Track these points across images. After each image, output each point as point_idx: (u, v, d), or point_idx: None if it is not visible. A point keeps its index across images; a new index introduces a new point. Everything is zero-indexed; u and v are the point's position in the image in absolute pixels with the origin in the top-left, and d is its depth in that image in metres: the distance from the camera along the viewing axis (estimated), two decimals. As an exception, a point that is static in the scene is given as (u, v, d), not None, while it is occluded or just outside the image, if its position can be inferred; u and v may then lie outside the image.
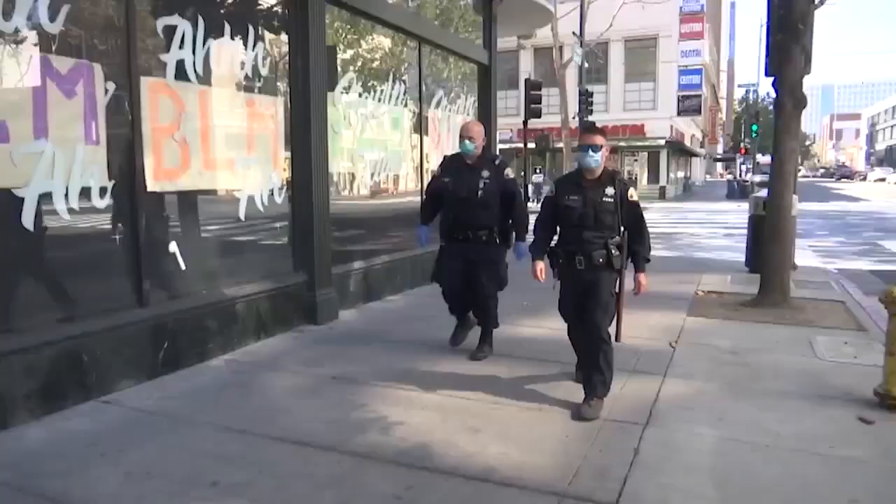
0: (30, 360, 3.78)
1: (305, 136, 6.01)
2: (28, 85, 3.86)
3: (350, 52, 7.41)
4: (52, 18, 3.92)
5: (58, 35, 3.98)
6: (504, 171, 4.99)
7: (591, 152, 3.87)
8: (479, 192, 4.81)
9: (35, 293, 4.08)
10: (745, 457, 3.32)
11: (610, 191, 3.90)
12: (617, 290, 4.03)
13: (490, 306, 5.12)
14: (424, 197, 5.46)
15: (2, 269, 3.85)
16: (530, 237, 4.44)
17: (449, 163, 5.12)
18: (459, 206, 4.90)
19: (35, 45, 3.88)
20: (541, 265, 4.15)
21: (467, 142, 4.86)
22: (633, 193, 3.98)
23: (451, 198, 4.95)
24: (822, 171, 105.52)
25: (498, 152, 11.80)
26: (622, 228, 3.97)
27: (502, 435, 3.57)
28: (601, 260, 3.90)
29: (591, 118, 26.60)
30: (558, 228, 4.10)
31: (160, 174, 4.71)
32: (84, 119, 4.15)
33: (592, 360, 3.96)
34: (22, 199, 3.80)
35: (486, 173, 4.86)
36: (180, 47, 4.83)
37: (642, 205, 4.12)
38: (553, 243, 4.17)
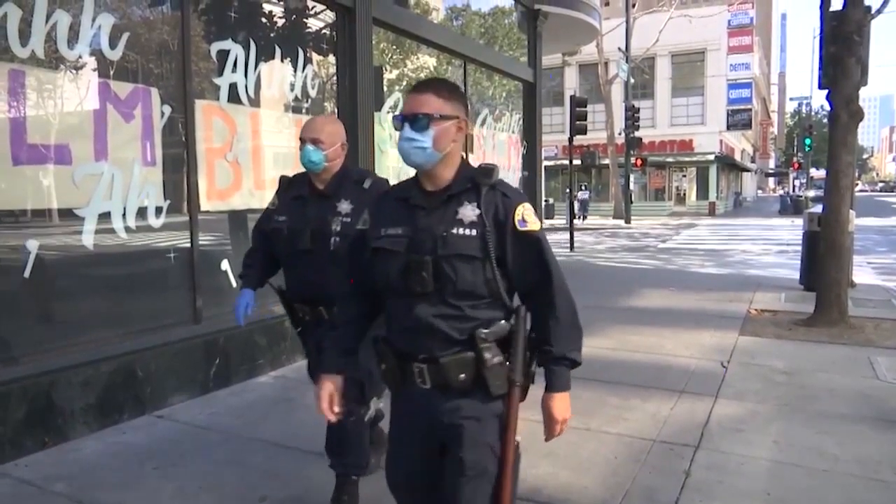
0: (87, 375, 3.90)
1: (352, 156, 6.10)
2: (89, 109, 4.04)
3: (396, 72, 7.52)
4: (113, 45, 4.10)
5: (117, 61, 4.16)
6: None
7: (411, 131, 1.80)
8: (333, 241, 2.77)
9: (93, 310, 4.22)
10: (801, 482, 3.20)
11: (468, 212, 1.82)
12: (501, 444, 1.87)
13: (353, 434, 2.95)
14: (251, 243, 3.21)
15: (62, 286, 4.01)
16: None
17: (287, 187, 3.01)
18: (298, 263, 2.88)
19: (95, 70, 4.07)
20: (329, 387, 1.98)
21: (310, 148, 2.80)
22: (525, 214, 1.84)
23: (285, 249, 2.91)
24: (881, 184, 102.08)
25: (543, 169, 11.74)
26: (509, 295, 1.90)
27: (548, 454, 3.53)
28: (463, 376, 1.81)
29: (637, 134, 26.42)
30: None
31: (213, 194, 4.85)
32: (141, 141, 4.31)
33: None
34: (83, 219, 3.97)
35: (344, 206, 2.82)
36: (233, 71, 4.99)
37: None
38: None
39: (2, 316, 3.72)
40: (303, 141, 2.83)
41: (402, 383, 1.89)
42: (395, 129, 1.82)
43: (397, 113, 1.86)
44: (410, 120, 1.79)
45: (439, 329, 1.79)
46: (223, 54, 4.94)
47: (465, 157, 1.93)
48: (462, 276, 1.77)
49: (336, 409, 1.98)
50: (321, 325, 2.82)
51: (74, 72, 3.98)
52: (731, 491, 3.11)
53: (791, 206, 33.82)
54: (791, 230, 20.98)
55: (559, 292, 1.86)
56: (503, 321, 1.82)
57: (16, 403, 3.56)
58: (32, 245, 3.73)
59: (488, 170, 1.85)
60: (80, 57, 3.98)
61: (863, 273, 10.84)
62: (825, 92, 6.98)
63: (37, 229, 3.90)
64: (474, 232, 1.78)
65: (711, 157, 35.24)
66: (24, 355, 3.74)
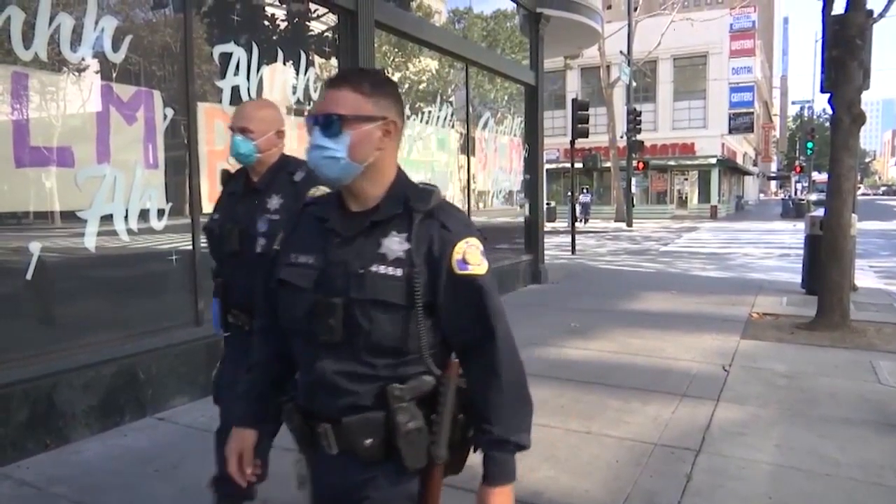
0: (89, 377, 3.91)
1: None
2: (91, 111, 4.05)
3: (398, 75, 7.53)
4: (116, 48, 4.11)
5: (120, 64, 4.17)
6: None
7: (321, 137, 1.41)
8: (259, 243, 2.45)
9: (95, 312, 4.23)
10: (803, 486, 3.20)
11: (395, 245, 1.41)
12: None
13: None
14: None
15: (64, 288, 4.01)
16: None
17: (227, 182, 2.77)
18: (229, 266, 2.63)
19: (98, 73, 4.08)
20: (239, 443, 1.64)
21: (238, 138, 2.52)
22: (468, 253, 1.42)
23: (216, 250, 2.72)
24: (883, 188, 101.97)
25: (545, 173, 11.74)
26: (444, 351, 1.49)
27: (550, 458, 3.52)
28: (370, 442, 1.42)
29: (639, 137, 26.43)
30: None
31: (215, 196, 4.84)
32: (143, 143, 4.32)
33: None
34: (85, 221, 3.97)
35: (273, 202, 2.50)
36: (235, 74, 5.00)
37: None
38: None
39: (4, 318, 3.73)
40: (231, 130, 2.53)
41: (311, 446, 1.54)
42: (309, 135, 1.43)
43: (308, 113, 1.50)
44: (320, 122, 1.39)
45: (343, 388, 1.41)
46: (225, 57, 4.95)
47: (400, 168, 1.50)
48: (378, 327, 1.37)
49: (248, 470, 1.62)
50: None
51: (77, 74, 3.99)
52: (733, 495, 3.10)
53: (793, 210, 33.81)
54: (793, 234, 20.96)
55: (504, 355, 1.44)
56: (427, 376, 1.42)
57: (18, 405, 3.56)
58: (35, 247, 3.74)
59: (425, 191, 1.44)
60: (82, 59, 3.99)
61: (865, 277, 10.82)
62: (827, 95, 6.98)
63: (39, 231, 3.90)
64: (399, 272, 1.37)
65: (713, 161, 35.26)
66: (25, 357, 3.73)
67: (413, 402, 1.40)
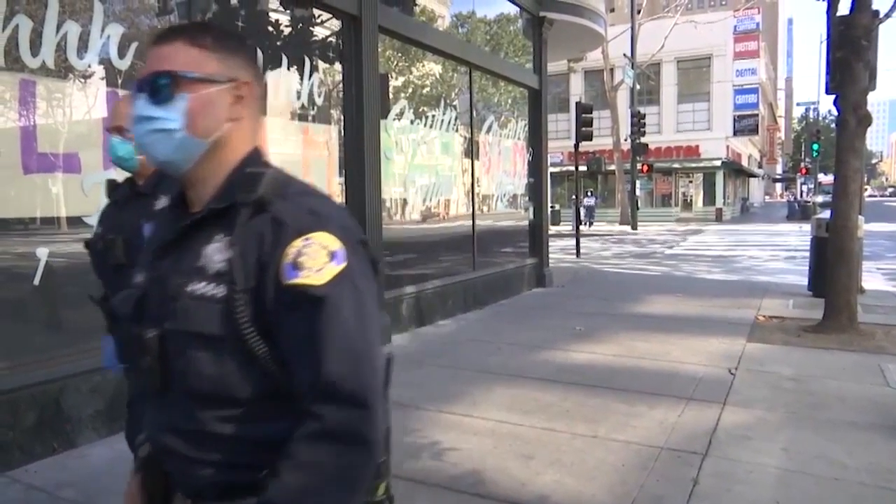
0: (96, 381, 3.92)
1: (359, 163, 6.12)
2: (98, 117, 4.07)
3: (402, 80, 7.55)
4: (122, 55, 4.13)
5: (125, 70, 4.18)
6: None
7: (147, 105, 1.04)
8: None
9: (102, 317, 4.23)
10: (811, 490, 3.18)
11: (216, 253, 1.02)
12: None
13: None
14: None
15: (71, 293, 4.03)
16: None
17: (112, 192, 2.43)
18: (115, 281, 2.15)
19: (104, 79, 4.10)
20: (133, 489, 1.32)
21: (115, 140, 2.27)
22: (304, 252, 0.98)
23: (100, 264, 2.41)
24: (890, 189, 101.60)
25: (549, 176, 11.74)
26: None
27: (556, 462, 3.52)
28: None
29: (643, 140, 26.41)
30: None
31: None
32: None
33: None
34: (91, 227, 3.98)
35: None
36: (240, 79, 5.01)
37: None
38: None
39: (12, 322, 3.75)
40: (108, 132, 2.22)
41: None
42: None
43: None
44: (146, 86, 1.04)
45: (182, 454, 1.05)
46: (230, 63, 4.97)
47: (258, 148, 1.13)
48: (196, 368, 1.01)
49: None
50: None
51: (83, 81, 4.01)
52: (740, 499, 3.09)
53: (799, 212, 33.73)
54: (799, 236, 20.89)
55: (334, 435, 0.95)
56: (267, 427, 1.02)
57: (25, 410, 3.58)
58: (42, 252, 3.76)
59: (254, 175, 1.05)
60: (89, 66, 4.01)
61: (872, 279, 10.77)
62: (833, 97, 6.96)
63: (46, 237, 3.92)
64: (218, 291, 0.99)
65: (718, 163, 35.19)
66: (33, 362, 3.76)
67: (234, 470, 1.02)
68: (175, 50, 1.04)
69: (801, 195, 46.27)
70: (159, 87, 1.02)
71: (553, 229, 16.89)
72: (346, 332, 0.98)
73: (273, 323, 0.99)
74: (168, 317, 1.02)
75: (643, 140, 26.88)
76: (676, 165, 35.78)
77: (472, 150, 8.64)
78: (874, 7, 6.76)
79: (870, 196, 75.42)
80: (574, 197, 18.21)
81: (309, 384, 0.97)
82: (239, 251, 1.00)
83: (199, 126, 1.04)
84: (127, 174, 2.37)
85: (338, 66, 6.15)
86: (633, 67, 27.28)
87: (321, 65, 6.01)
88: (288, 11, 5.79)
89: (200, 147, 1.05)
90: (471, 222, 8.50)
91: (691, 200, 36.94)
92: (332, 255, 0.99)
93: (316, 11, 5.94)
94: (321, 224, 1.01)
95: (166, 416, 1.06)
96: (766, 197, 72.05)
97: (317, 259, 0.97)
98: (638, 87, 29.25)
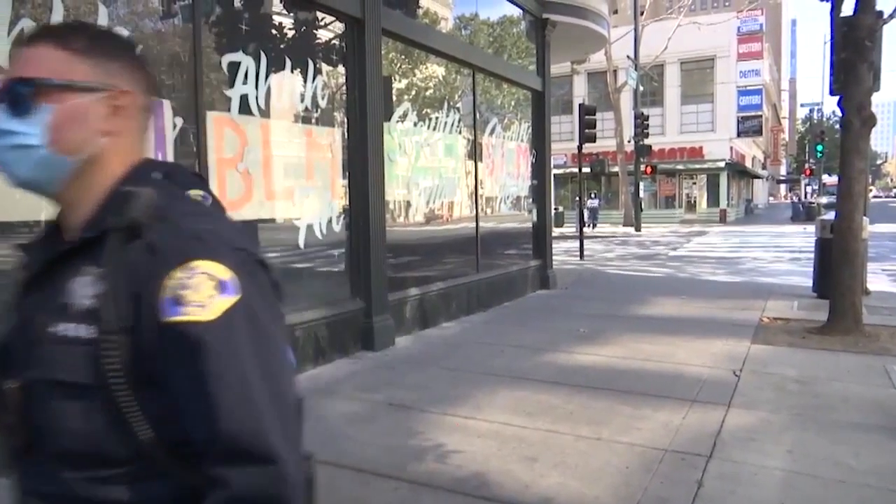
0: None
1: (362, 165, 6.13)
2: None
3: (405, 82, 7.55)
4: (125, 58, 4.14)
5: (130, 74, 4.20)
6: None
7: (3, 118, 0.90)
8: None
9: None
10: (816, 492, 3.17)
11: (84, 288, 0.87)
12: None
13: None
14: None
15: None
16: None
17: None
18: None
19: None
20: None
21: None
22: (186, 285, 0.83)
23: None
24: (895, 190, 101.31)
25: (552, 178, 11.73)
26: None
27: (560, 464, 3.51)
28: None
29: (646, 141, 26.40)
30: None
31: (224, 204, 4.87)
32: (153, 152, 4.34)
33: None
34: None
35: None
36: (244, 82, 5.03)
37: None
38: None
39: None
40: None
41: None
42: None
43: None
44: (4, 96, 0.90)
45: None
46: (234, 66, 4.98)
47: (140, 165, 0.98)
48: (61, 423, 0.87)
49: None
50: None
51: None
52: (744, 502, 3.08)
53: (803, 213, 33.66)
54: (803, 237, 20.84)
55: (239, 488, 0.82)
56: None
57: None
58: (46, 256, 3.76)
59: (126, 195, 0.90)
60: (93, 70, 4.03)
61: (877, 280, 10.75)
62: (837, 98, 6.95)
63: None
64: (85, 332, 0.86)
65: (722, 164, 35.15)
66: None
67: None
68: (39, 53, 0.90)
69: (806, 196, 46.16)
70: (18, 96, 0.88)
71: (556, 231, 16.90)
72: (242, 375, 0.83)
73: (157, 370, 0.84)
74: (31, 364, 0.88)
75: (647, 141, 26.88)
76: (680, 167, 35.74)
77: (475, 153, 8.64)
78: (878, 8, 6.75)
79: (875, 197, 75.24)
80: (577, 199, 18.21)
81: (204, 442, 0.83)
82: (110, 285, 0.85)
83: (65, 141, 0.91)
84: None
85: (341, 69, 6.16)
86: (636, 69, 27.28)
87: (324, 67, 6.02)
88: (291, 14, 5.81)
89: (68, 165, 0.92)
90: (474, 224, 8.50)
91: (695, 202, 36.89)
92: (222, 287, 0.84)
93: (319, 14, 5.96)
94: (207, 250, 0.86)
95: (31, 479, 0.92)
96: (770, 198, 71.91)
97: (201, 291, 0.83)
98: (641, 88, 29.25)
